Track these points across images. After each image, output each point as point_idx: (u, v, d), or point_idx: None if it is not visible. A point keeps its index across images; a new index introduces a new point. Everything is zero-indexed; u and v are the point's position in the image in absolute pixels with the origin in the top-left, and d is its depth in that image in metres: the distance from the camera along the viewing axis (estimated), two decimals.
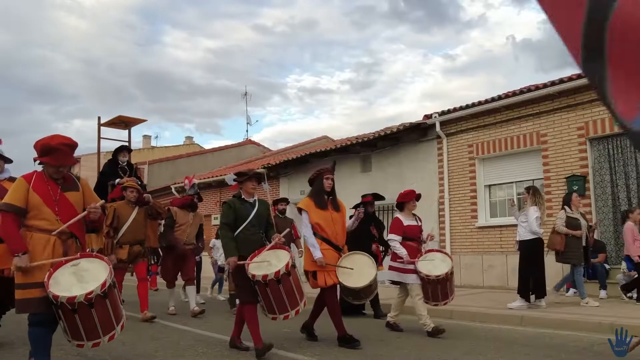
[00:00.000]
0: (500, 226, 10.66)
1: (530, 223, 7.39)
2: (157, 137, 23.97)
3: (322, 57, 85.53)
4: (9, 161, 5.18)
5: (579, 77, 9.48)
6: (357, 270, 5.47)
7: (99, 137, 12.86)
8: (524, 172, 10.59)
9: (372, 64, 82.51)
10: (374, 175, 13.34)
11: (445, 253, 6.39)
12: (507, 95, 10.55)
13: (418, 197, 6.37)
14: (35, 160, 3.88)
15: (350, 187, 13.80)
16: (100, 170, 9.78)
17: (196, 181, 9.09)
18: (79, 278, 3.75)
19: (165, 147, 31.77)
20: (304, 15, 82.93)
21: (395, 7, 78.43)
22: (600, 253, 8.90)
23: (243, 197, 5.14)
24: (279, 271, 4.66)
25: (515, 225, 8.01)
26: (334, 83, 76.07)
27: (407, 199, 6.26)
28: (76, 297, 3.57)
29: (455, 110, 11.41)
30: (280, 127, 73.91)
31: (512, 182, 10.88)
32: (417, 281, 5.93)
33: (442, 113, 11.63)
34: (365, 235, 7.51)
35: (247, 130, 30.74)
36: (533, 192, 7.66)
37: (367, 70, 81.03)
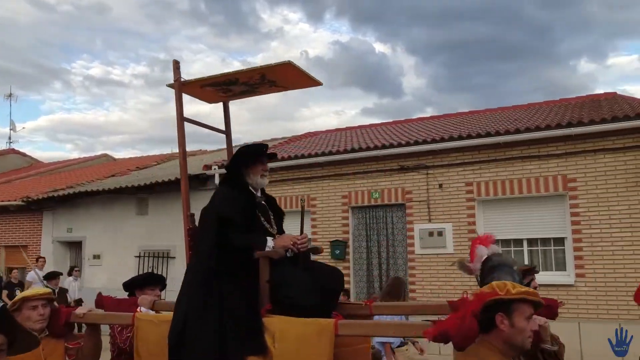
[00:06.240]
0: None
1: None
2: None
3: (115, 46, 79.42)
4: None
5: (345, 151, 10.34)
6: None
7: (181, 121, 3.38)
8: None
9: (170, 60, 79.64)
10: (151, 218, 12.75)
11: None
12: (282, 158, 10.98)
13: None
14: None
15: (123, 229, 13.04)
16: (218, 212, 2.87)
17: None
18: None
19: None
20: None
21: (196, 7, 76.66)
22: None
23: None
24: None
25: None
26: (127, 76, 71.29)
27: None
28: None
29: None
30: (63, 116, 66.11)
31: None
32: None
33: (221, 166, 11.63)
34: None
35: (9, 138, 23.51)
36: None
37: (164, 67, 77.98)
